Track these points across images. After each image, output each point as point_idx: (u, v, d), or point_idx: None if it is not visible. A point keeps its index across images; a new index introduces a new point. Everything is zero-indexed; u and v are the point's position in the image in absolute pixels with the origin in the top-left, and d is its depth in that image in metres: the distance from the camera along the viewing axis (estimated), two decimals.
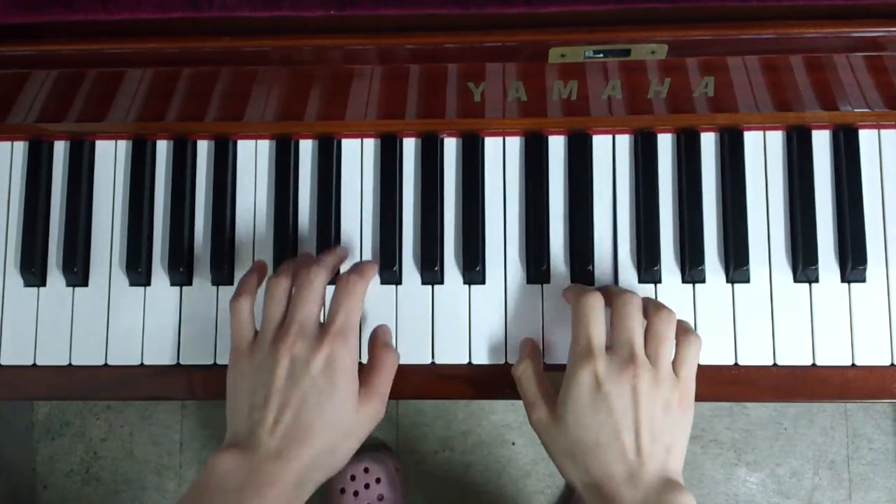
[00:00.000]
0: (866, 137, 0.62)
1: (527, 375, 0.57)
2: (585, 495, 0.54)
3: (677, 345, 0.55)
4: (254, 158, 0.65)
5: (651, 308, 0.55)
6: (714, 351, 0.61)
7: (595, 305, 0.55)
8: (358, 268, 0.59)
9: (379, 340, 0.60)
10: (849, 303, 0.61)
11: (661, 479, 0.52)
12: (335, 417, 0.53)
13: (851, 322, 0.61)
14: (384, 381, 0.57)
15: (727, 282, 0.61)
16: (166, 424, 1.24)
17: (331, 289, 0.58)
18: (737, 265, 0.61)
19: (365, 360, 0.60)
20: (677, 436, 0.54)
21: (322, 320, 0.58)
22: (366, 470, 1.08)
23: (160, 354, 0.63)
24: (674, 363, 0.55)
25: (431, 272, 0.62)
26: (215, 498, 0.51)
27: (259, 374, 0.54)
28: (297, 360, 0.53)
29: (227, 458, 0.52)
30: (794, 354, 0.60)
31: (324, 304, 0.59)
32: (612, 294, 0.56)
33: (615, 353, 0.54)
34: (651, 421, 0.52)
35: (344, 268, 0.62)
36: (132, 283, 0.63)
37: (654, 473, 0.52)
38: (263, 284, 0.59)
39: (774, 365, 0.60)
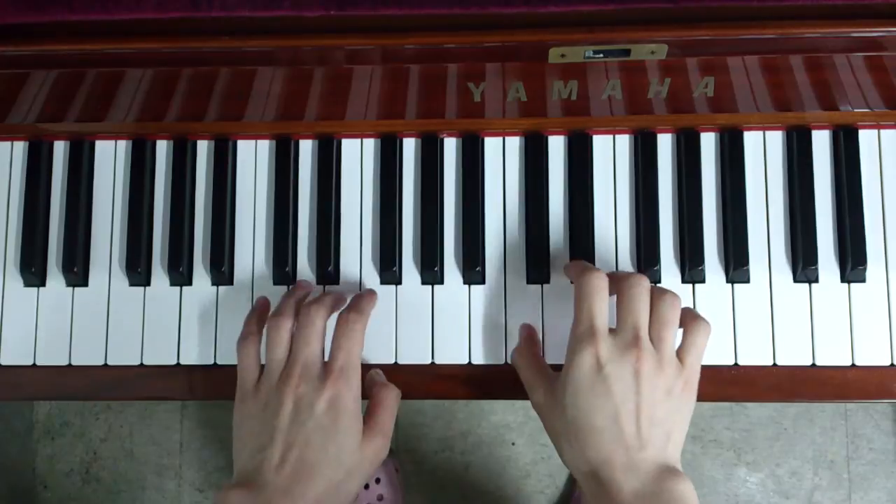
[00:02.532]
0: (866, 137, 0.62)
1: (524, 358, 0.58)
2: (582, 482, 0.54)
3: (685, 331, 0.55)
4: (254, 158, 0.65)
5: (655, 292, 0.55)
6: (714, 351, 0.60)
7: (599, 286, 0.54)
8: (357, 304, 0.58)
9: (377, 379, 0.60)
10: (849, 303, 0.61)
11: (659, 466, 0.52)
12: (339, 456, 0.54)
13: (851, 322, 0.61)
14: (387, 418, 0.57)
15: (727, 282, 0.61)
16: (166, 424, 1.24)
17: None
18: (736, 265, 0.61)
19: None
20: (678, 422, 0.53)
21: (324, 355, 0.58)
22: None
23: (160, 354, 0.63)
24: (680, 349, 0.54)
25: (431, 272, 0.62)
26: None
27: (264, 414, 0.54)
28: (301, 401, 0.54)
29: (236, 494, 0.52)
30: (794, 354, 0.60)
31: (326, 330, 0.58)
32: (619, 277, 0.55)
33: (619, 335, 0.53)
34: (652, 406, 0.52)
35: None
36: (132, 283, 0.63)
37: (652, 460, 0.52)
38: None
39: (774, 365, 0.60)
